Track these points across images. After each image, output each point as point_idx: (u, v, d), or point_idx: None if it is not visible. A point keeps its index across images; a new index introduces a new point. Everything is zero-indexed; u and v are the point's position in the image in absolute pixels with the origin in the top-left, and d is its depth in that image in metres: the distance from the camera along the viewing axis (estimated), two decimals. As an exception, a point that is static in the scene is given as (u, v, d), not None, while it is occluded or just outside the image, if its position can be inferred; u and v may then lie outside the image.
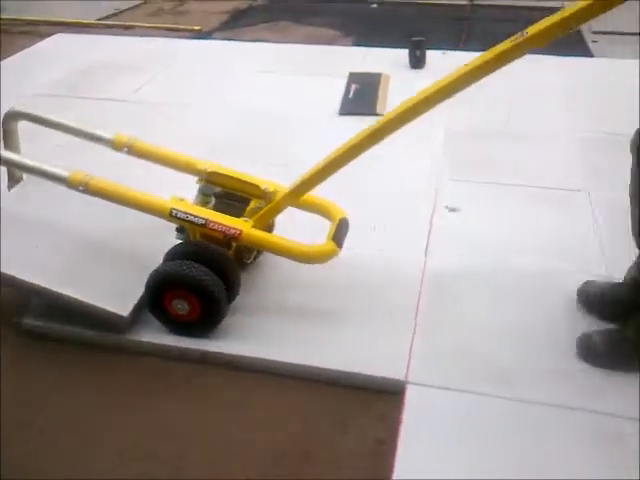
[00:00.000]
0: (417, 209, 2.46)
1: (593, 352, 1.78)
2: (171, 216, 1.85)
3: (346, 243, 1.97)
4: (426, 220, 2.39)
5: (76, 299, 1.83)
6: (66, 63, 3.99)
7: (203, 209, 1.91)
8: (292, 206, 1.97)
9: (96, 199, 1.90)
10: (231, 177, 1.99)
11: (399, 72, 3.68)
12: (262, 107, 3.31)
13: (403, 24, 4.67)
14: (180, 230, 1.92)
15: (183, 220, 1.85)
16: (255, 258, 2.13)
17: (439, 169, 2.74)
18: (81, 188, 1.87)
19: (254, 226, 1.86)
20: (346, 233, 1.93)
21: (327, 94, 3.44)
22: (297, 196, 1.89)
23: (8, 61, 4.10)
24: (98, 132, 2.10)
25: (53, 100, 3.46)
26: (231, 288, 1.88)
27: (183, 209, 1.85)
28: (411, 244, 2.26)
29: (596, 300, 1.93)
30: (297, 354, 1.81)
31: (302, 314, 1.97)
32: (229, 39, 4.53)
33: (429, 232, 2.33)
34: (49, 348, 1.89)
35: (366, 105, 3.25)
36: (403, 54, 3.90)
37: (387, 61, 3.83)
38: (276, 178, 2.53)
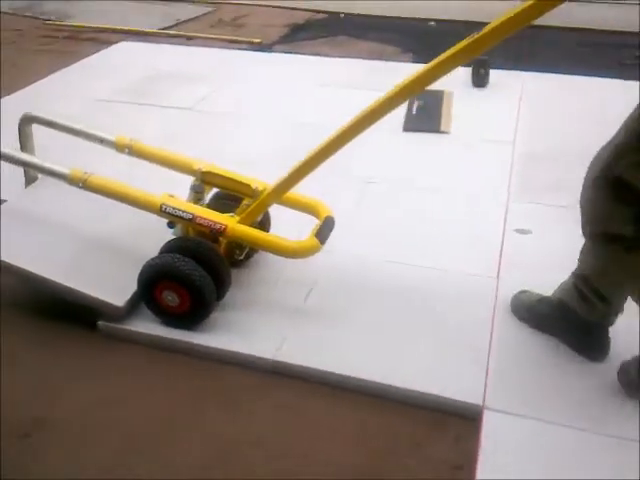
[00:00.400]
0: (487, 230, 2.42)
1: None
2: (161, 211, 1.96)
3: (417, 260, 1.95)
4: (497, 241, 2.35)
5: (76, 290, 1.96)
6: (130, 70, 4.12)
7: (191, 205, 2.01)
8: (281, 204, 2.07)
9: (103, 199, 2.04)
10: (222, 176, 2.08)
11: (462, 90, 3.66)
12: (322, 120, 3.29)
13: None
14: (170, 225, 2.02)
15: (172, 215, 1.96)
16: (248, 257, 2.20)
17: (508, 190, 2.70)
18: (80, 185, 2.01)
19: (240, 222, 1.95)
20: (330, 230, 1.98)
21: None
22: (280, 193, 1.96)
23: (75, 66, 4.22)
24: (101, 134, 2.25)
25: (116, 106, 3.56)
26: (220, 282, 1.95)
27: (172, 204, 1.96)
28: (482, 264, 2.23)
29: (524, 310, 1.99)
30: (356, 367, 1.83)
31: (351, 322, 2.00)
32: (289, 52, 4.57)
33: (500, 254, 2.29)
34: (123, 349, 1.97)
35: (430, 122, 3.25)
36: (464, 72, 3.87)
37: (449, 79, 3.79)
38: (342, 193, 2.56)
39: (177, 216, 1.95)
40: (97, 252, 2.12)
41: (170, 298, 1.92)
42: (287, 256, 1.98)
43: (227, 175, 2.08)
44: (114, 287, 1.99)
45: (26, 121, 2.28)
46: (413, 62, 4.41)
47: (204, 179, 2.08)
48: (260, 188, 1.99)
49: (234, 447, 1.67)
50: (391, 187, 2.75)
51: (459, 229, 2.42)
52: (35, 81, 3.97)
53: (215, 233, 1.93)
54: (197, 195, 2.06)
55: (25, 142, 2.29)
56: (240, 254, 2.13)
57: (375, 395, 1.79)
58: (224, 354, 1.91)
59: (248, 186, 2.01)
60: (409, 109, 3.39)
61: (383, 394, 1.78)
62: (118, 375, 1.90)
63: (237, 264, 2.17)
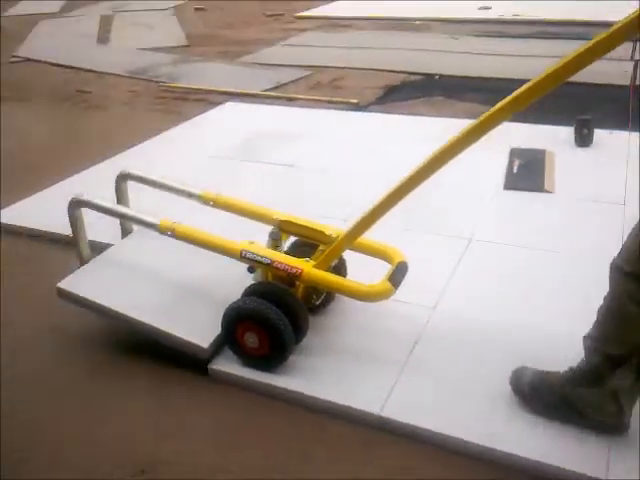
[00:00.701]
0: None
1: None
2: (241, 257, 2.08)
3: (523, 320, 1.89)
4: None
5: (166, 332, 2.10)
6: (236, 128, 4.31)
7: (269, 250, 2.12)
8: (355, 250, 2.14)
9: (189, 249, 2.21)
10: (298, 224, 2.18)
11: (564, 150, 3.60)
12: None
13: (563, 102, 4.60)
14: (250, 270, 2.13)
15: (252, 260, 2.07)
16: (325, 304, 2.27)
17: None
18: (169, 233, 2.19)
19: (315, 267, 2.02)
20: (404, 275, 2.02)
21: (488, 169, 3.43)
22: (353, 238, 2.00)
23: (185, 125, 4.49)
24: (188, 189, 2.41)
25: (227, 162, 3.74)
26: (297, 325, 2.01)
27: (252, 250, 2.07)
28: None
29: (526, 393, 1.85)
30: (464, 429, 1.80)
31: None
32: (385, 112, 4.68)
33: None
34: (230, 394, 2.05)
35: (533, 181, 3.21)
36: (566, 131, 3.83)
37: (550, 138, 3.77)
38: (442, 251, 2.54)
39: (256, 261, 2.06)
40: (184, 297, 2.26)
41: (251, 340, 2.00)
42: (360, 299, 2.03)
43: (302, 223, 2.18)
44: (200, 329, 2.12)
45: (122, 178, 2.51)
46: (510, 122, 4.40)
47: (281, 227, 2.19)
48: (334, 235, 2.06)
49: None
50: (493, 246, 2.72)
51: (567, 291, 2.36)
52: (148, 138, 4.25)
53: (292, 277, 2.02)
54: (275, 242, 2.17)
55: (121, 197, 2.52)
56: (317, 299, 2.21)
57: (488, 461, 1.74)
58: (330, 406, 1.93)
59: (322, 233, 2.10)
60: (510, 167, 3.37)
61: (496, 460, 1.73)
62: (224, 421, 1.95)
63: (316, 310, 2.24)
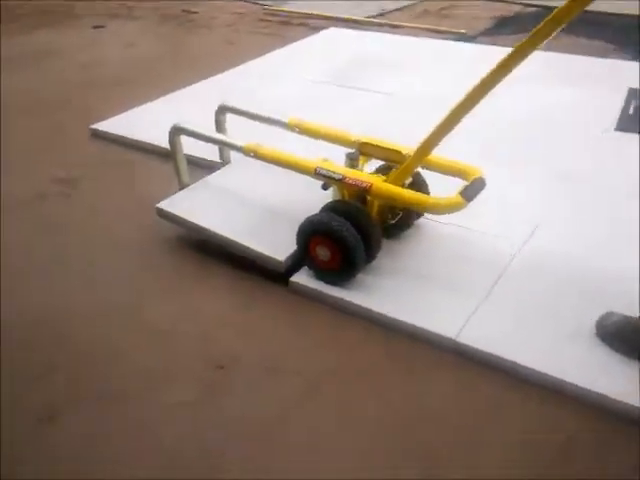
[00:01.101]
0: None
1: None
2: (316, 173, 2.13)
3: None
4: None
5: (248, 246, 2.23)
6: (338, 54, 4.25)
7: (341, 167, 2.16)
8: (432, 169, 2.13)
9: (279, 179, 2.40)
10: (376, 145, 2.20)
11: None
12: (528, 115, 3.20)
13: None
14: (324, 187, 2.17)
15: (324, 176, 2.12)
16: (404, 227, 2.29)
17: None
18: (252, 154, 2.30)
19: (387, 182, 2.05)
20: (479, 190, 1.98)
21: (601, 108, 3.22)
22: (423, 154, 1.98)
23: (287, 48, 4.46)
24: (279, 118, 2.52)
25: (325, 87, 3.71)
26: (368, 241, 2.04)
27: (325, 167, 2.12)
28: None
29: (610, 336, 1.83)
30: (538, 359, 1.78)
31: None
32: (493, 44, 4.45)
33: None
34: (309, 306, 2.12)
35: (649, 124, 2.98)
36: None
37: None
38: (545, 189, 2.43)
39: (328, 177, 2.11)
40: (270, 219, 2.37)
41: (322, 253, 2.05)
42: (427, 211, 2.07)
43: (380, 144, 2.20)
44: (279, 245, 2.21)
45: (220, 110, 2.68)
46: (633, 60, 4.07)
47: (359, 149, 2.22)
48: (410, 154, 2.04)
49: (412, 413, 1.72)
50: (593, 187, 2.58)
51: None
52: (250, 59, 4.27)
53: (362, 191, 2.05)
54: (352, 162, 2.19)
55: (219, 127, 2.70)
56: (392, 218, 2.21)
57: (555, 391, 1.72)
58: (406, 327, 1.94)
59: (399, 152, 2.12)
60: (625, 108, 3.15)
61: (562, 391, 1.72)
62: (303, 329, 2.02)
63: (392, 232, 2.25)
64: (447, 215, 2.28)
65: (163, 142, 3.06)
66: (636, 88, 3.40)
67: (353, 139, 2.25)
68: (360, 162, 2.20)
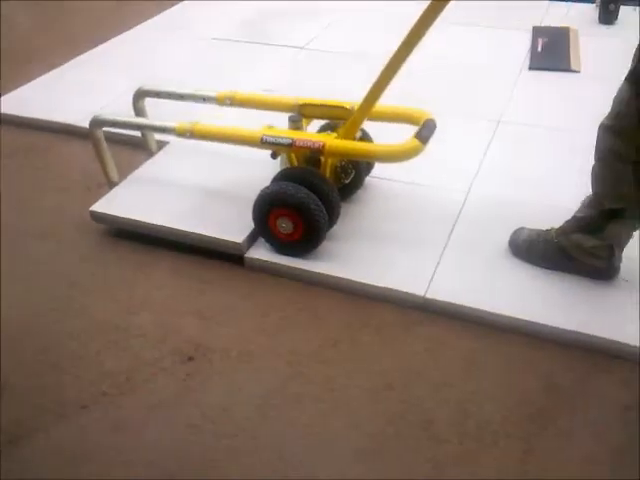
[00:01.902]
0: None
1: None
2: (262, 142, 2.01)
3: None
4: None
5: (201, 234, 2.10)
6: (242, 9, 4.02)
7: (289, 131, 2.05)
8: (379, 119, 2.07)
9: (214, 160, 2.33)
10: (318, 105, 2.12)
11: (587, 27, 3.45)
12: (445, 57, 3.21)
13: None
14: (273, 156, 2.04)
15: (273, 144, 2.00)
16: (353, 189, 2.23)
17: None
18: (188, 134, 2.14)
19: (339, 138, 1.98)
20: (432, 132, 1.94)
21: (512, 48, 3.29)
22: (370, 103, 1.91)
23: (177, 7, 4.19)
24: (204, 93, 2.32)
25: (231, 45, 3.51)
26: (329, 205, 1.97)
27: (271, 134, 2.01)
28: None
29: (524, 250, 1.96)
30: (508, 306, 1.82)
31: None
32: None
33: None
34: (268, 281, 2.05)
35: (559, 60, 3.09)
36: (586, 8, 3.65)
37: (571, 16, 3.60)
38: (472, 133, 2.47)
39: (277, 144, 2.00)
40: (216, 202, 2.25)
41: (283, 225, 1.96)
42: (388, 160, 2.00)
43: (322, 102, 2.12)
44: (233, 227, 2.10)
45: (138, 95, 2.43)
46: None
47: (301, 111, 2.12)
48: (356, 107, 1.99)
49: (397, 377, 1.70)
50: (523, 127, 2.65)
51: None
52: (142, 20, 3.97)
53: (315, 151, 1.96)
54: (295, 125, 2.09)
55: (139, 114, 2.44)
56: (346, 178, 2.15)
57: (527, 334, 1.77)
58: (374, 290, 1.92)
59: (343, 108, 2.05)
60: (533, 46, 3.23)
61: (536, 334, 1.77)
62: (268, 307, 1.94)
63: (345, 195, 2.18)
64: (391, 171, 2.31)
65: (68, 119, 2.84)
66: (540, 26, 3.49)
67: (292, 102, 2.14)
68: (304, 124, 2.10)
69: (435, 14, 1.71)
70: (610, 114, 1.67)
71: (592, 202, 1.80)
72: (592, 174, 1.77)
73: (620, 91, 1.64)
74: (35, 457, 1.56)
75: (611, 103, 1.67)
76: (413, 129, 1.94)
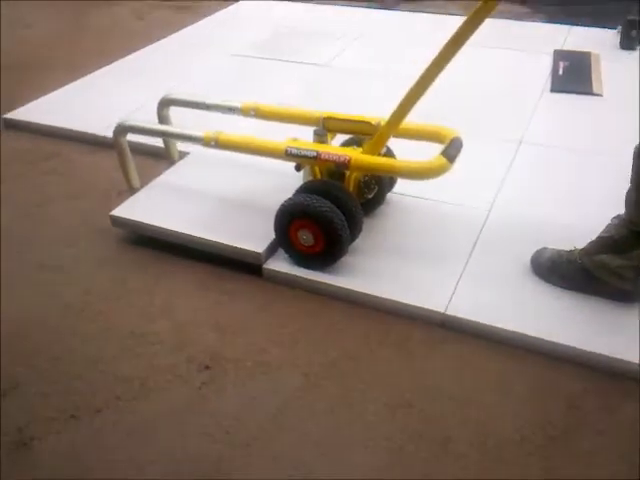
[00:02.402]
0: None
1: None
2: (287, 154, 2.01)
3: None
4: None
5: (221, 242, 2.10)
6: (259, 26, 4.10)
7: (314, 144, 2.04)
8: (404, 136, 2.06)
9: (238, 168, 2.35)
10: (343, 119, 2.10)
11: (608, 53, 3.46)
12: (468, 79, 3.21)
13: (597, 4, 4.38)
14: (297, 169, 2.04)
15: (297, 156, 2.00)
16: (375, 205, 2.22)
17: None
18: (213, 143, 2.14)
19: (364, 153, 1.97)
20: (459, 150, 1.92)
21: (533, 70, 3.30)
22: (397, 120, 1.90)
23: (203, 22, 4.26)
24: (229, 103, 2.33)
25: (252, 61, 3.55)
26: (352, 219, 1.96)
27: (296, 146, 2.00)
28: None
29: (545, 270, 1.94)
30: (529, 325, 1.80)
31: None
32: (414, 11, 4.44)
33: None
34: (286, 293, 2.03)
35: (580, 83, 3.09)
36: (607, 34, 3.67)
37: (593, 41, 3.61)
38: (494, 154, 2.47)
39: (302, 156, 1.99)
40: (238, 211, 2.25)
41: (304, 237, 1.95)
42: (414, 177, 1.96)
43: (347, 117, 2.11)
44: (254, 237, 2.10)
45: (163, 104, 2.45)
46: (546, 22, 4.19)
47: (325, 124, 2.11)
48: (382, 123, 1.98)
49: (416, 394, 1.67)
50: (544, 148, 2.63)
51: (617, 193, 2.30)
52: (164, 36, 4.03)
53: (340, 166, 1.95)
54: (320, 138, 2.08)
55: (163, 122, 2.46)
56: (369, 193, 2.14)
57: (549, 355, 1.74)
58: (393, 305, 1.89)
59: (369, 124, 2.03)
60: (555, 69, 3.23)
61: (558, 354, 1.74)
62: (285, 318, 1.93)
63: (367, 209, 2.16)
64: (413, 188, 2.30)
65: (91, 129, 2.87)
66: (561, 49, 3.50)
67: (316, 115, 2.13)
68: (328, 138, 2.09)
69: (471, 29, 1.70)
70: None
71: (625, 222, 1.77)
72: (627, 198, 1.76)
73: None
74: (47, 460, 1.55)
75: (636, 126, 1.66)
76: (436, 148, 1.93)
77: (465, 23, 1.70)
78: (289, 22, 4.18)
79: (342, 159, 1.94)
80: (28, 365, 1.79)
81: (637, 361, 1.67)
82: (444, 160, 1.86)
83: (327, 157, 1.95)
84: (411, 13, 4.39)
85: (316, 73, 3.41)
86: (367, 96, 3.00)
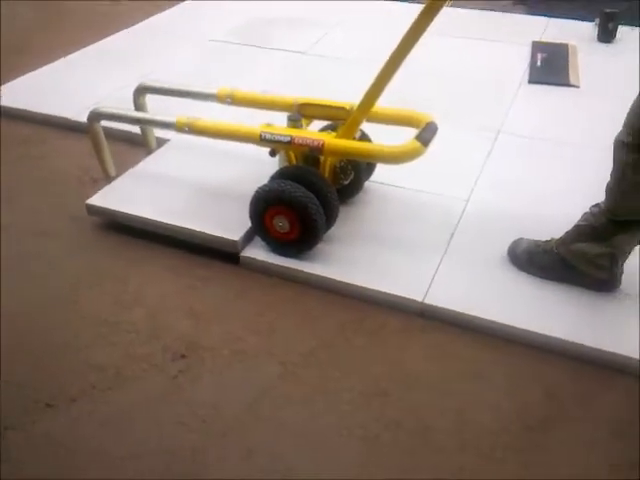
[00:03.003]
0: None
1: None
2: (261, 140, 1.99)
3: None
4: None
5: (197, 230, 2.08)
6: (238, 12, 4.03)
7: (288, 128, 2.03)
8: (378, 121, 2.05)
9: (213, 158, 2.33)
10: (317, 104, 2.10)
11: (586, 45, 3.48)
12: (446, 69, 3.21)
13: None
14: (272, 154, 2.03)
15: (272, 141, 1.99)
16: (354, 192, 2.21)
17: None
18: (186, 129, 2.12)
19: (338, 137, 1.96)
20: (433, 134, 1.92)
21: (511, 61, 3.31)
22: (369, 103, 1.90)
23: (181, 7, 4.19)
24: (204, 90, 2.33)
25: (231, 47, 3.51)
26: (327, 205, 1.95)
27: (270, 131, 1.99)
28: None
29: (524, 260, 1.94)
30: (508, 315, 1.80)
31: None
32: (398, 0, 4.41)
33: None
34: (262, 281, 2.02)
35: (558, 74, 3.11)
36: (584, 26, 3.69)
37: (570, 33, 3.62)
38: (473, 144, 2.48)
39: (276, 141, 1.98)
40: (213, 199, 2.23)
41: (280, 224, 1.94)
42: (388, 161, 1.95)
43: (322, 103, 2.09)
44: (230, 225, 2.08)
45: (139, 91, 2.41)
46: (527, 14, 4.20)
47: (300, 110, 2.10)
48: (355, 108, 1.97)
49: (393, 383, 1.67)
50: (522, 139, 2.64)
51: (593, 183, 2.32)
52: (140, 19, 3.96)
53: (315, 150, 1.94)
54: (294, 124, 2.06)
55: (139, 109, 2.41)
56: (345, 178, 2.13)
57: (527, 344, 1.75)
58: (371, 294, 1.89)
59: (343, 109, 2.02)
60: (533, 61, 3.24)
61: (535, 344, 1.74)
62: (262, 306, 1.91)
63: (344, 196, 2.16)
64: (391, 176, 2.29)
65: (65, 113, 2.81)
66: (539, 41, 3.51)
67: (291, 102, 2.12)
68: (303, 124, 2.07)
69: (430, 16, 1.72)
70: (626, 129, 1.66)
71: (603, 211, 1.78)
72: (607, 187, 1.77)
73: (636, 106, 1.63)
74: (22, 448, 1.52)
75: (612, 118, 1.66)
76: (412, 133, 1.93)
77: (428, 4, 1.72)
78: (269, 9, 4.13)
79: (315, 143, 1.92)
80: (1, 354, 1.76)
81: (615, 350, 1.68)
82: (418, 144, 1.85)
83: (301, 142, 1.94)
84: (392, 1, 4.37)
85: (296, 60, 3.38)
86: (347, 83, 2.94)
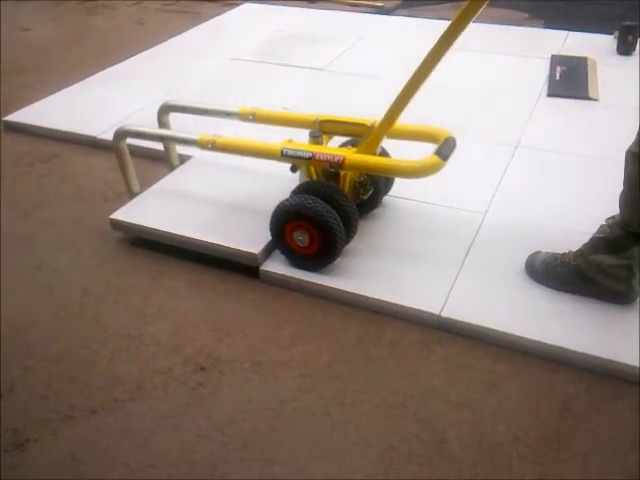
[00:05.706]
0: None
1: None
2: (282, 155, 2.03)
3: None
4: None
5: (217, 244, 2.12)
6: (257, 31, 4.12)
7: (309, 145, 2.06)
8: (399, 137, 2.07)
9: (232, 175, 2.39)
10: (338, 121, 2.13)
11: (605, 58, 3.48)
12: (465, 83, 3.23)
13: (596, 9, 4.41)
14: (293, 170, 2.06)
15: (293, 157, 2.02)
16: (371, 208, 2.24)
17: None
18: (209, 146, 2.16)
19: (358, 152, 1.99)
20: (452, 149, 1.94)
21: (530, 75, 3.32)
22: (391, 120, 1.92)
23: (203, 27, 4.28)
24: (227, 108, 2.36)
25: (252, 65, 3.57)
26: (347, 220, 1.97)
27: (291, 147, 2.02)
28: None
29: (541, 273, 1.95)
30: (523, 327, 1.81)
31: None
32: (412, 16, 4.46)
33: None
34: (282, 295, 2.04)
35: (577, 88, 3.11)
36: (603, 39, 3.68)
37: (590, 46, 3.63)
38: (491, 157, 2.49)
39: (297, 157, 2.01)
40: (234, 214, 2.26)
41: (300, 238, 1.96)
42: (408, 176, 1.98)
43: (343, 119, 2.13)
44: (250, 238, 2.11)
45: (163, 110, 2.46)
46: (545, 28, 4.21)
47: (321, 127, 2.13)
48: (376, 125, 2.00)
49: (410, 395, 1.68)
50: (540, 152, 2.65)
51: (613, 197, 2.31)
52: (164, 40, 4.05)
53: (335, 166, 1.97)
54: (315, 140, 2.10)
55: (164, 127, 2.47)
56: (364, 194, 2.15)
57: (544, 357, 1.75)
58: (389, 307, 1.91)
59: (364, 125, 2.06)
60: (552, 74, 3.25)
61: (552, 356, 1.74)
62: (281, 320, 1.93)
63: (363, 211, 2.18)
64: (409, 191, 2.31)
65: (89, 131, 2.88)
66: (558, 54, 3.52)
67: (312, 119, 2.15)
68: (324, 140, 2.11)
69: (459, 29, 1.75)
70: (637, 140, 1.67)
71: (618, 223, 1.79)
72: (620, 199, 1.77)
73: None
74: (43, 460, 1.55)
75: (632, 131, 1.67)
76: (432, 149, 1.94)
77: (453, 23, 1.74)
78: (288, 27, 4.20)
79: (336, 159, 1.95)
80: (25, 367, 1.80)
81: (632, 363, 1.67)
82: (437, 159, 1.87)
83: (322, 157, 1.98)
84: (410, 18, 4.42)
85: (315, 77, 3.43)
86: (366, 99, 3.00)
